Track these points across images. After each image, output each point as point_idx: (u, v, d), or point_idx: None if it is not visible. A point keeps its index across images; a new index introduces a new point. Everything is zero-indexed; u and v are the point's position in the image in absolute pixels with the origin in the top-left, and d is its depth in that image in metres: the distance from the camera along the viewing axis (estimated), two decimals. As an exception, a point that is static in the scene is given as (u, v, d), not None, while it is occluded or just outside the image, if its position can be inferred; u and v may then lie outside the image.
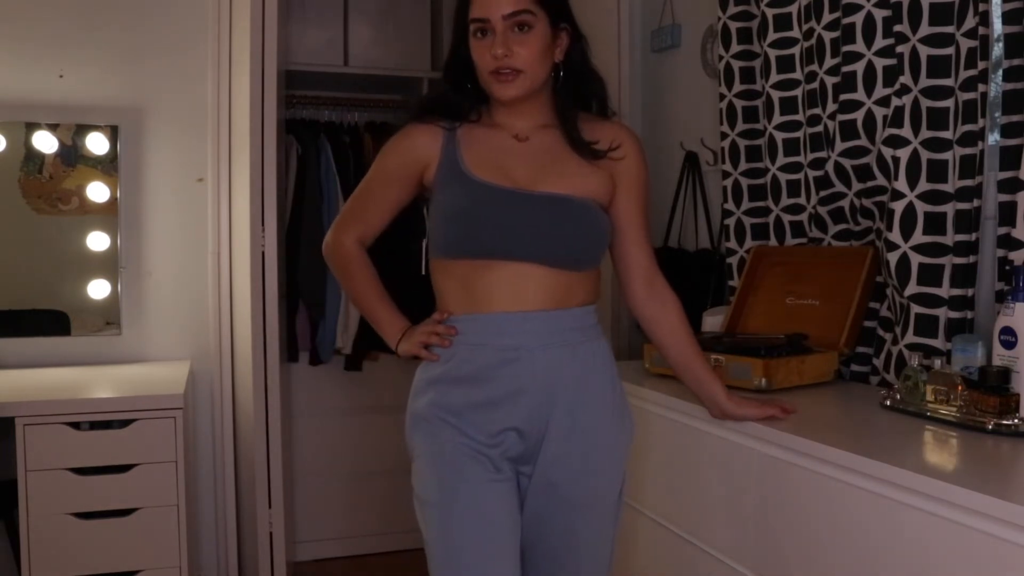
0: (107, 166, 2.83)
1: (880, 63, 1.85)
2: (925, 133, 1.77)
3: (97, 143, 2.82)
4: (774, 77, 2.15)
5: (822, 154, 2.03)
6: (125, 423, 2.26)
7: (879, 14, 1.85)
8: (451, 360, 1.48)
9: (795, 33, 2.11)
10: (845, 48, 1.90)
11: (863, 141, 1.90)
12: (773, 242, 2.24)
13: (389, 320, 1.59)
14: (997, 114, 1.70)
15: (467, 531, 1.43)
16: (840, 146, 1.93)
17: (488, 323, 1.46)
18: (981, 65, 1.68)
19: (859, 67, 1.88)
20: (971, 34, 1.69)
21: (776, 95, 2.15)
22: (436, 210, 1.50)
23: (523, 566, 1.51)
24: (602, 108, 1.58)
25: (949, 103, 1.74)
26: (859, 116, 1.89)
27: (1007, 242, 1.64)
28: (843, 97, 1.91)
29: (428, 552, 1.47)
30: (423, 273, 1.61)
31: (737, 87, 2.29)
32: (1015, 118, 1.64)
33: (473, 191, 1.47)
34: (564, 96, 1.54)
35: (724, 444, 1.65)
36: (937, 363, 1.57)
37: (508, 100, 1.49)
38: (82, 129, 2.80)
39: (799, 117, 2.12)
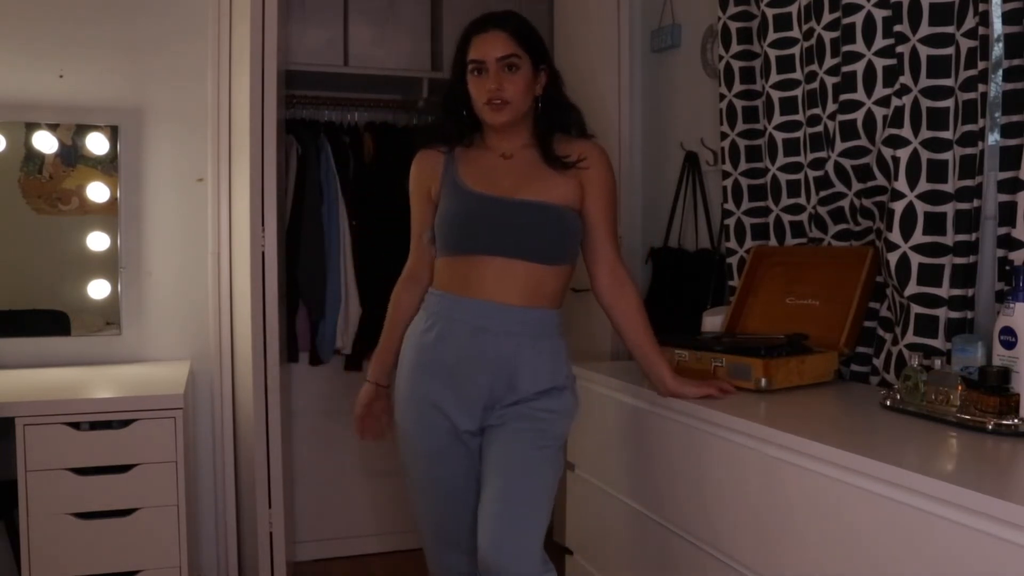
0: (107, 166, 2.83)
1: (880, 63, 1.85)
2: (925, 133, 1.77)
3: (97, 143, 2.82)
4: (774, 77, 2.15)
5: (822, 154, 2.03)
6: (125, 423, 2.26)
7: (879, 14, 1.85)
8: (434, 329, 1.78)
9: (795, 33, 2.11)
10: (845, 48, 1.90)
11: (863, 141, 1.90)
12: (773, 242, 2.25)
13: (381, 358, 1.93)
14: (997, 114, 1.70)
15: (442, 499, 1.83)
16: (840, 146, 1.93)
17: (478, 307, 1.75)
18: (981, 65, 1.68)
19: (859, 67, 1.88)
20: (971, 34, 1.69)
21: (776, 95, 2.15)
22: (440, 217, 1.81)
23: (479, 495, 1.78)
24: (581, 131, 1.86)
25: (949, 103, 1.74)
26: (859, 116, 1.89)
27: (1007, 242, 1.64)
28: (843, 97, 1.92)
29: (411, 497, 1.88)
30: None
31: (737, 87, 2.29)
32: (1015, 118, 1.64)
33: (468, 200, 1.78)
34: (542, 122, 1.83)
35: (724, 444, 1.65)
36: (937, 363, 1.58)
37: (499, 125, 1.80)
38: (82, 129, 2.80)
39: (799, 117, 2.12)
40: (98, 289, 2.85)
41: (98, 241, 2.84)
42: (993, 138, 1.73)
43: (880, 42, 1.85)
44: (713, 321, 2.24)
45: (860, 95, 1.89)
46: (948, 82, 1.74)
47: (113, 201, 2.84)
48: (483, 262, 1.75)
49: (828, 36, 1.98)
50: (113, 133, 2.82)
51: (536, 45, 1.80)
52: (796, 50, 2.11)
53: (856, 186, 1.95)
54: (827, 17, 1.98)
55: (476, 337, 1.75)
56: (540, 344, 1.77)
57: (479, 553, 1.68)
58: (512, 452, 1.73)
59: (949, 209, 1.75)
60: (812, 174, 2.07)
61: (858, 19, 1.88)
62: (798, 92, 2.12)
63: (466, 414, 1.77)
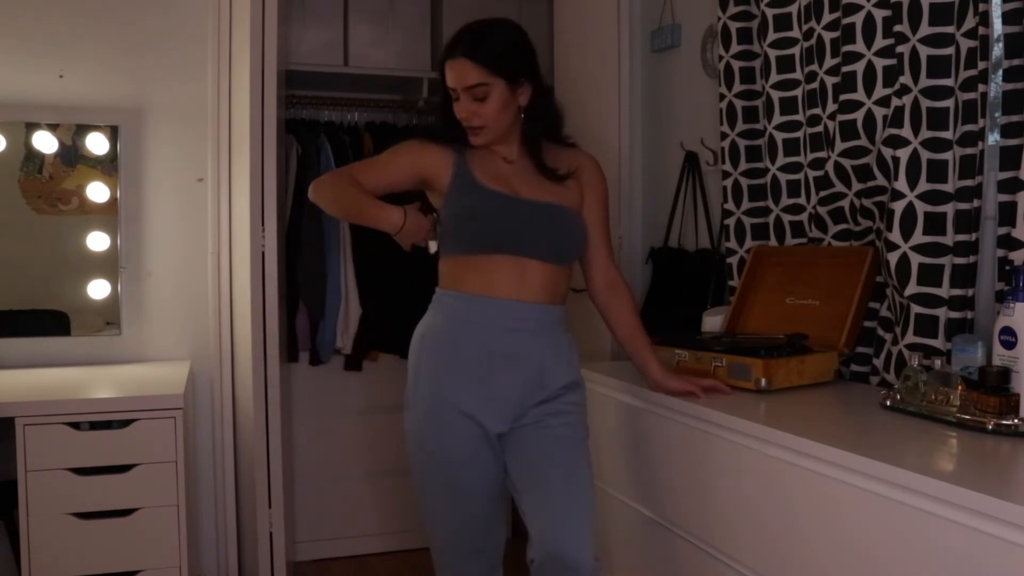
0: (107, 166, 2.83)
1: (880, 63, 1.85)
2: (925, 133, 1.77)
3: (97, 143, 2.82)
4: (774, 77, 2.15)
5: (822, 154, 2.03)
6: (125, 423, 2.26)
7: (879, 14, 1.85)
8: (456, 330, 1.77)
9: (795, 33, 2.11)
10: (845, 48, 1.90)
11: (863, 141, 1.90)
12: (773, 242, 2.24)
13: (385, 209, 1.75)
14: (997, 114, 1.70)
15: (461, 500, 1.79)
16: (840, 146, 1.93)
17: (503, 307, 1.75)
18: (981, 65, 1.68)
19: (859, 67, 1.88)
20: (971, 34, 1.69)
21: (776, 95, 2.15)
22: (455, 215, 1.78)
23: (520, 491, 1.76)
24: (558, 136, 1.89)
25: (949, 103, 1.74)
26: (859, 116, 1.89)
27: (1007, 242, 1.64)
28: (843, 97, 1.91)
29: (419, 493, 1.83)
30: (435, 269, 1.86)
31: (737, 87, 2.29)
32: (1015, 118, 1.63)
33: (487, 198, 1.78)
34: (529, 132, 1.84)
35: (724, 443, 1.65)
36: (937, 363, 1.57)
37: (478, 146, 1.82)
38: (82, 129, 2.80)
39: (799, 117, 2.12)
40: (98, 289, 2.85)
41: (98, 241, 2.84)
42: (993, 138, 1.73)
43: (880, 42, 1.85)
44: (713, 321, 2.24)
45: (860, 95, 1.89)
46: (948, 82, 1.74)
47: (113, 201, 2.84)
48: (502, 261, 1.75)
49: (828, 36, 1.98)
50: (113, 133, 2.83)
51: (510, 63, 1.75)
52: (796, 50, 2.11)
53: (856, 186, 1.95)
54: (827, 17, 1.98)
55: (506, 337, 1.75)
56: (559, 340, 1.82)
57: (539, 545, 1.67)
58: (559, 445, 1.75)
59: (949, 209, 1.75)
60: (812, 174, 2.07)
61: (858, 19, 1.88)
62: (798, 92, 2.12)
63: (497, 417, 1.75)
